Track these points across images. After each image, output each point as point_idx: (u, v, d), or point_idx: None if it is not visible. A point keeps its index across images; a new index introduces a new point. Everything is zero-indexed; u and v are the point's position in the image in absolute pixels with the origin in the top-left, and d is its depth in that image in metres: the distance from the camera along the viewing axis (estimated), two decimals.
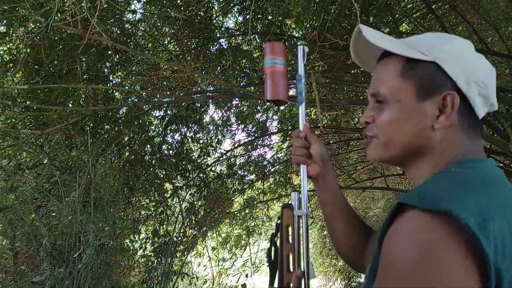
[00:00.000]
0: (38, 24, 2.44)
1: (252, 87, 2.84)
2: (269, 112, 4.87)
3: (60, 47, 2.81)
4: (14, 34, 2.67)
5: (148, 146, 3.71)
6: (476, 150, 0.66)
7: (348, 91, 3.71)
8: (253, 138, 4.74)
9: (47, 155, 2.86)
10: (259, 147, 4.94)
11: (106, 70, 3.77)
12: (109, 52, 3.39)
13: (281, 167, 4.94)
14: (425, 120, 0.65)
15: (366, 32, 0.69)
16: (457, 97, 0.63)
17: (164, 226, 4.34)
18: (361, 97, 3.43)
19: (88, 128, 3.09)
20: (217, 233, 5.22)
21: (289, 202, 0.88)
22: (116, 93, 3.99)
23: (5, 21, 2.30)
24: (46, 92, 3.10)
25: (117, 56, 3.56)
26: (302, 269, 0.83)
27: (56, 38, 2.48)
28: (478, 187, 0.56)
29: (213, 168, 4.41)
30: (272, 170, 4.98)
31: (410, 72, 0.66)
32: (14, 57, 2.70)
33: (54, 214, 2.97)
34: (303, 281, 0.81)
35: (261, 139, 4.86)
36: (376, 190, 5.26)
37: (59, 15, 2.29)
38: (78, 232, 2.80)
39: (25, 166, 3.41)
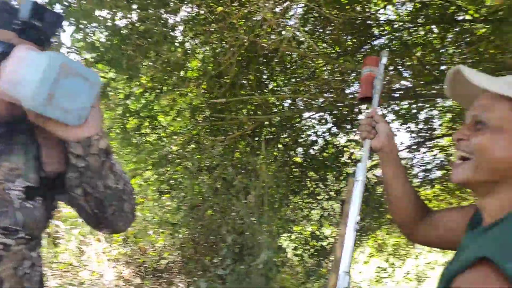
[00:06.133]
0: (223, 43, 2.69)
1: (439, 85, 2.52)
2: (434, 110, 4.35)
3: (238, 60, 3.03)
4: (201, 52, 2.98)
5: (311, 150, 3.73)
6: None
7: None
8: (417, 139, 4.30)
9: (228, 159, 3.13)
10: (423, 148, 4.46)
11: (265, 77, 3.96)
12: (274, 61, 3.54)
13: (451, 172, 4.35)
14: None
15: (467, 73, 0.75)
16: None
17: (321, 229, 4.33)
18: None
19: (262, 134, 3.26)
20: (373, 239, 4.97)
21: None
22: (272, 99, 4.18)
23: (198, 42, 2.57)
24: (223, 103, 3.42)
25: (277, 64, 3.68)
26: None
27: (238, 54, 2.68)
28: None
29: (374, 172, 4.17)
30: (439, 174, 4.43)
31: None
32: (201, 74, 3.02)
33: (233, 213, 3.23)
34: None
35: (426, 139, 4.37)
36: None
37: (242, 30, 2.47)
38: (255, 232, 2.98)
39: (204, 168, 3.85)
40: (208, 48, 2.74)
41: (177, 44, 2.34)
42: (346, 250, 0.93)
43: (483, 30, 2.94)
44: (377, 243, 5.06)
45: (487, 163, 0.71)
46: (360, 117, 3.88)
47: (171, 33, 2.49)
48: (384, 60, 1.15)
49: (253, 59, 2.80)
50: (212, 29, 2.40)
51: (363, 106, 3.74)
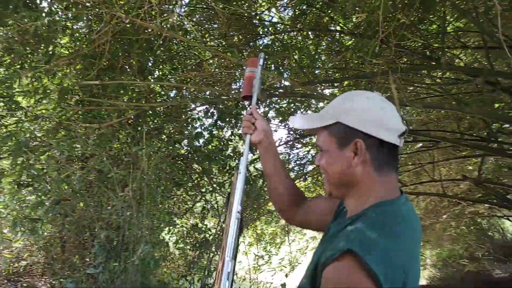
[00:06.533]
0: (98, 19, 2.45)
1: (315, 86, 2.76)
2: (309, 109, 4.78)
3: (118, 41, 2.81)
4: (74, 29, 2.68)
5: (196, 142, 3.70)
6: (390, 189, 0.89)
7: (423, 93, 3.60)
8: (293, 136, 4.66)
9: (104, 149, 2.88)
10: (299, 144, 4.87)
11: (150, 64, 3.77)
12: (160, 49, 3.39)
13: None
14: (346, 161, 0.89)
15: (292, 123, 1.04)
16: (362, 143, 0.87)
17: (205, 221, 4.35)
18: (439, 101, 3.32)
19: (145, 124, 3.09)
20: (252, 229, 5.21)
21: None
22: (157, 88, 4.01)
23: (70, 16, 2.30)
24: (99, 86, 3.12)
25: (164, 52, 3.55)
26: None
27: (114, 33, 2.47)
28: (394, 233, 0.80)
29: (255, 166, 4.37)
30: (311, 169, 4.90)
31: (330, 131, 0.92)
32: (74, 51, 2.71)
33: (109, 208, 3.00)
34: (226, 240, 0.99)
35: (299, 136, 4.77)
36: (418, 197, 5.09)
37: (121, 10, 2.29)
38: (132, 227, 2.82)
39: (75, 158, 3.47)
40: (82, 24, 2.46)
41: (43, 15, 2.04)
42: (230, 238, 0.98)
43: (350, 42, 3.35)
44: (256, 233, 5.33)
45: (330, 176, 0.93)
46: (244, 112, 4.03)
47: (37, 1, 2.17)
48: (261, 62, 1.24)
49: (135, 42, 2.63)
50: (88, 4, 2.17)
51: (247, 102, 3.90)
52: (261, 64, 1.25)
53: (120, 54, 2.80)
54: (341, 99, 0.95)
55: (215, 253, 4.26)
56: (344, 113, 0.90)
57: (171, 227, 4.19)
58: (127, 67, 3.10)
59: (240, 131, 4.10)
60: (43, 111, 2.99)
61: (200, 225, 4.25)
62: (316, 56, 3.34)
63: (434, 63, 2.71)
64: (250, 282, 5.08)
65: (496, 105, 3.29)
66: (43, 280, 4.20)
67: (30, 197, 3.38)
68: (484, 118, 3.19)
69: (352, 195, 0.91)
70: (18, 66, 2.30)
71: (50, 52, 2.32)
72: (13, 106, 2.61)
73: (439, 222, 5.70)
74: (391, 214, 0.85)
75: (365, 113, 0.89)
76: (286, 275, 4.92)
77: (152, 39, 3.00)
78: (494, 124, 3.73)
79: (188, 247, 4.36)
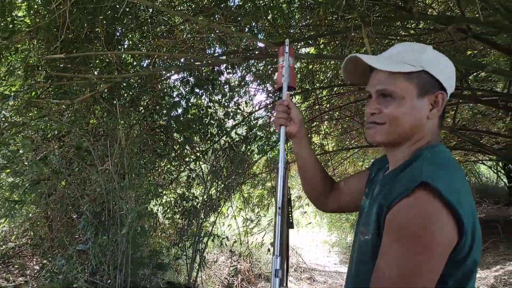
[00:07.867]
0: None
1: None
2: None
3: (81, 9, 2.67)
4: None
5: (174, 112, 3.64)
6: (438, 135, 0.92)
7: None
8: (273, 99, 4.64)
9: (78, 125, 2.81)
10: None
11: (118, 34, 3.62)
12: (127, 17, 3.24)
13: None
14: (422, 112, 0.88)
15: (366, 59, 0.90)
16: (446, 96, 0.89)
17: (191, 190, 4.38)
18: None
19: (120, 96, 3.01)
20: (239, 193, 5.28)
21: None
22: (129, 58, 3.87)
23: None
24: (67, 60, 2.99)
25: (131, 20, 3.40)
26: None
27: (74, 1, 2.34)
28: (451, 170, 0.82)
29: (237, 131, 4.37)
30: None
31: (411, 78, 0.88)
32: (34, 23, 2.56)
33: (90, 184, 2.98)
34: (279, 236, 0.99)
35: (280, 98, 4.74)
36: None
37: None
38: (116, 200, 2.82)
39: (52, 137, 3.39)
40: None
41: None
42: (276, 235, 1.00)
43: None
44: (243, 196, 5.42)
45: (398, 128, 0.89)
46: (221, 78, 3.96)
47: None
48: (287, 49, 1.20)
49: (98, 10, 2.50)
50: None
51: (223, 66, 3.82)
52: (287, 52, 1.20)
53: (84, 24, 2.66)
54: (411, 49, 0.91)
55: (204, 219, 4.34)
56: (429, 63, 0.88)
57: (157, 198, 4.21)
58: (93, 37, 2.96)
59: (217, 97, 4.06)
60: (11, 89, 2.87)
61: (187, 193, 4.28)
62: (290, 15, 3.26)
63: (406, 13, 2.69)
64: (241, 244, 5.23)
65: (468, 53, 3.32)
66: (34, 260, 4.22)
67: (9, 179, 3.32)
68: (457, 66, 3.23)
69: (402, 147, 0.91)
70: None
71: (9, 26, 2.19)
72: None
73: None
74: (444, 154, 0.88)
75: (446, 67, 0.90)
76: None
77: (117, 6, 2.86)
78: (470, 76, 3.78)
79: (177, 216, 4.41)
